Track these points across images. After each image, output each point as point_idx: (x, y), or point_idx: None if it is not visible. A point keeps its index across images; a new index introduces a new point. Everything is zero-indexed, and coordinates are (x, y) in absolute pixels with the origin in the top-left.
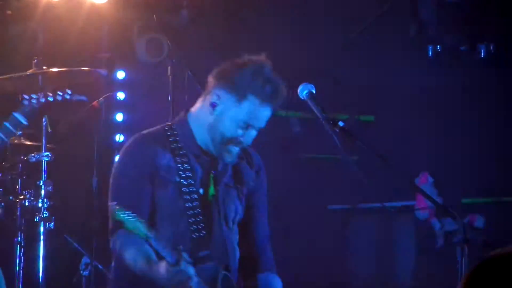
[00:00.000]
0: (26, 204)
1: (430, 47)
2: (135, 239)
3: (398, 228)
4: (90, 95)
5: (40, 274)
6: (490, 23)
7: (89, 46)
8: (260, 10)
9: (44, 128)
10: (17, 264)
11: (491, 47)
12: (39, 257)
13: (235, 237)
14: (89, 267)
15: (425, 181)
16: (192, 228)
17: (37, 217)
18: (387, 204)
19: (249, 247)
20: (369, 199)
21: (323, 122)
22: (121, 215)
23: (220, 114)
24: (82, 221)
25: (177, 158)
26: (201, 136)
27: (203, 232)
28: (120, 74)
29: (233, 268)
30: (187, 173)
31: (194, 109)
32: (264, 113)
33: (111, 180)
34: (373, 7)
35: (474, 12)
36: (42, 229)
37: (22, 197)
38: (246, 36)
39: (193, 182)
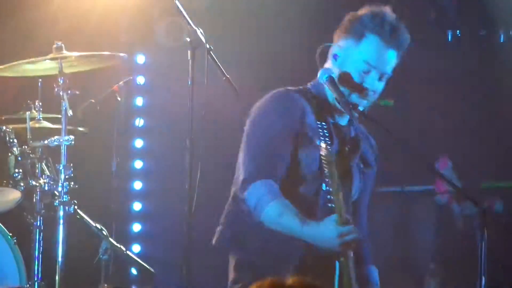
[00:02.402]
0: (46, 188)
1: (450, 32)
2: (278, 193)
3: (418, 213)
4: (110, 79)
5: (59, 258)
6: (509, 8)
7: (109, 30)
8: None
9: (64, 112)
10: (36, 248)
11: (510, 32)
12: (58, 241)
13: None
14: (109, 251)
15: (444, 165)
16: (326, 198)
17: (57, 201)
18: (406, 188)
19: None
20: (388, 183)
21: (342, 106)
22: None
23: (343, 62)
24: (101, 204)
25: (317, 122)
26: (333, 96)
27: (331, 204)
28: (140, 58)
29: None
30: (327, 140)
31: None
32: (386, 55)
33: (247, 129)
34: None
35: None
36: (61, 213)
37: (41, 181)
38: (268, 19)
39: (330, 149)
